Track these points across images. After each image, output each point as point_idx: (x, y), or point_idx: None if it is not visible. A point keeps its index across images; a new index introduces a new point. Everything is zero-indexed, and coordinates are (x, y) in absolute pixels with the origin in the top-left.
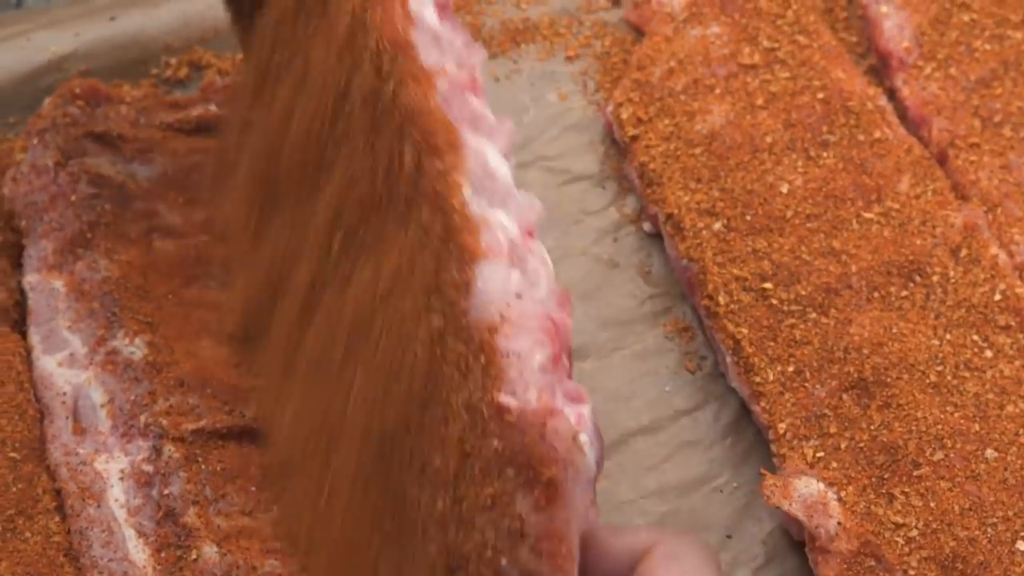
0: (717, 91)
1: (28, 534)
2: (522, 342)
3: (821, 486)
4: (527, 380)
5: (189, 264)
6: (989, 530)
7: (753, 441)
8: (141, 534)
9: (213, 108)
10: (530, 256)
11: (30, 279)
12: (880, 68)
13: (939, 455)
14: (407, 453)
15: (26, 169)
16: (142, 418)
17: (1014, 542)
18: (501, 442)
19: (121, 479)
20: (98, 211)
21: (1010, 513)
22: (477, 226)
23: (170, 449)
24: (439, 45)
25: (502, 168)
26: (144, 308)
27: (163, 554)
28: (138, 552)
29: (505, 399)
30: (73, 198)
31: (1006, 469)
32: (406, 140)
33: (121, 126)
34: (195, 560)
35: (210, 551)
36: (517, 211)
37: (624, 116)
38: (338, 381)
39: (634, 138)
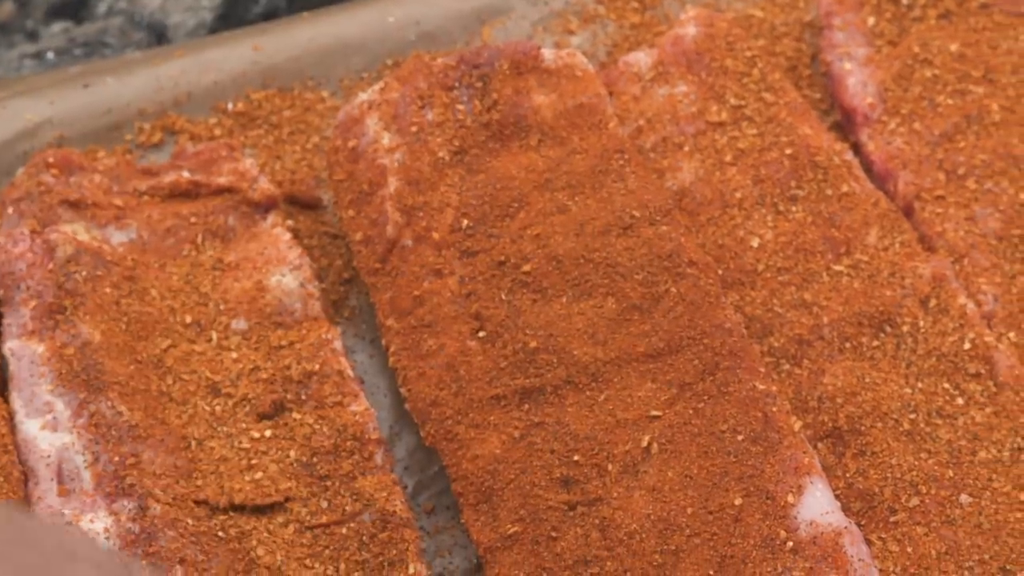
0: (686, 148)
1: None
2: (861, 550)
3: None
4: None
5: (168, 326)
6: (966, 573)
7: None
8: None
9: (186, 175)
10: None
11: (10, 345)
12: (845, 124)
13: (915, 501)
14: None
15: (2, 239)
16: (127, 478)
17: None
18: None
19: (107, 538)
20: (76, 277)
21: (986, 556)
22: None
23: (155, 507)
24: None
25: None
26: (126, 370)
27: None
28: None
29: None
30: (50, 266)
31: (980, 513)
32: None
33: (95, 193)
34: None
35: None
36: None
37: None
38: None
39: None
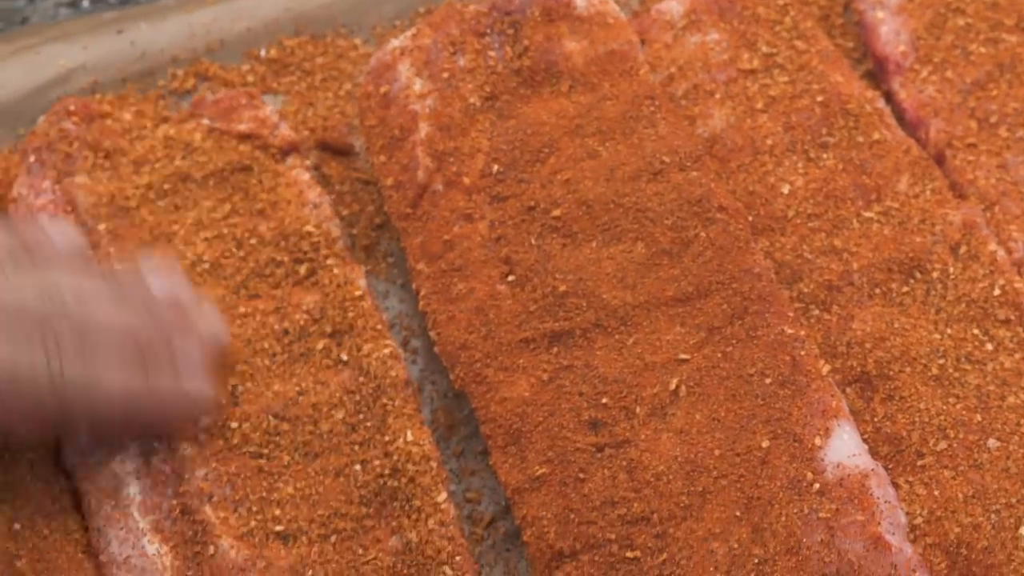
0: (717, 96)
1: (47, 531)
2: (888, 492)
3: None
4: (896, 526)
5: (193, 272)
6: (992, 516)
7: None
8: (158, 531)
9: (206, 122)
10: None
11: None
12: (877, 72)
13: (942, 445)
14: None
15: (24, 190)
16: None
17: (1017, 528)
18: (866, 564)
19: (137, 478)
20: (98, 228)
21: (1013, 500)
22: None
23: (185, 447)
24: None
25: None
26: None
27: (180, 550)
28: (156, 549)
29: (888, 537)
30: (72, 216)
31: (1008, 458)
32: None
33: (116, 142)
34: (212, 556)
35: (227, 546)
36: None
37: None
38: None
39: None
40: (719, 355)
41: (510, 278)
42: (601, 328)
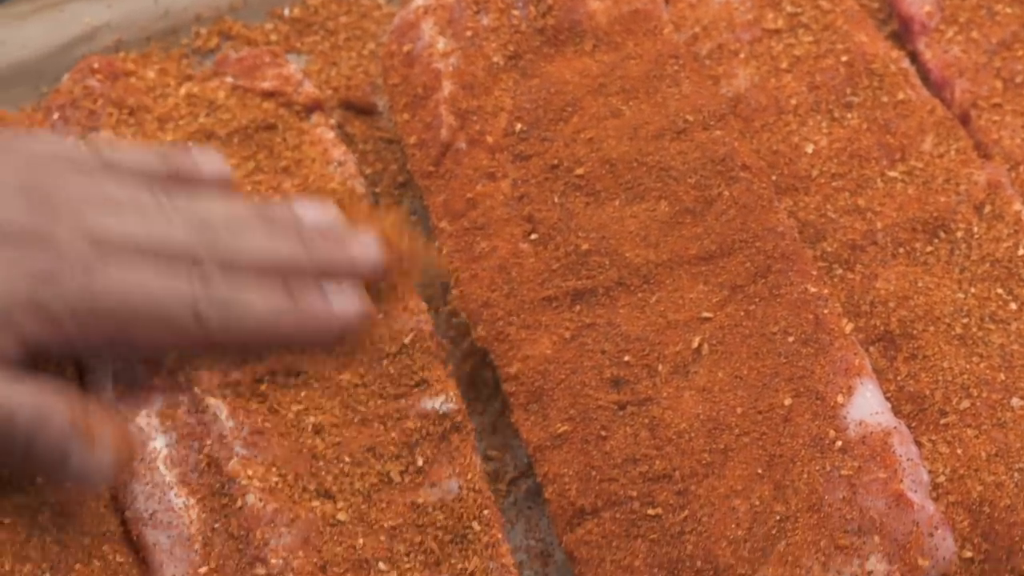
0: (741, 55)
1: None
2: (911, 450)
3: None
4: (919, 484)
5: None
6: (1015, 475)
7: None
8: (185, 484)
9: (229, 80)
10: None
11: None
12: (902, 32)
13: (965, 404)
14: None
15: None
16: (182, 373)
17: None
18: (888, 521)
19: (163, 433)
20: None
21: None
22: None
23: (212, 401)
24: None
25: None
26: None
27: (207, 503)
28: (182, 502)
29: (910, 494)
30: None
31: None
32: None
33: (140, 99)
34: (239, 508)
35: (254, 499)
36: None
37: None
38: None
39: None
40: (742, 313)
41: (532, 236)
42: (624, 286)
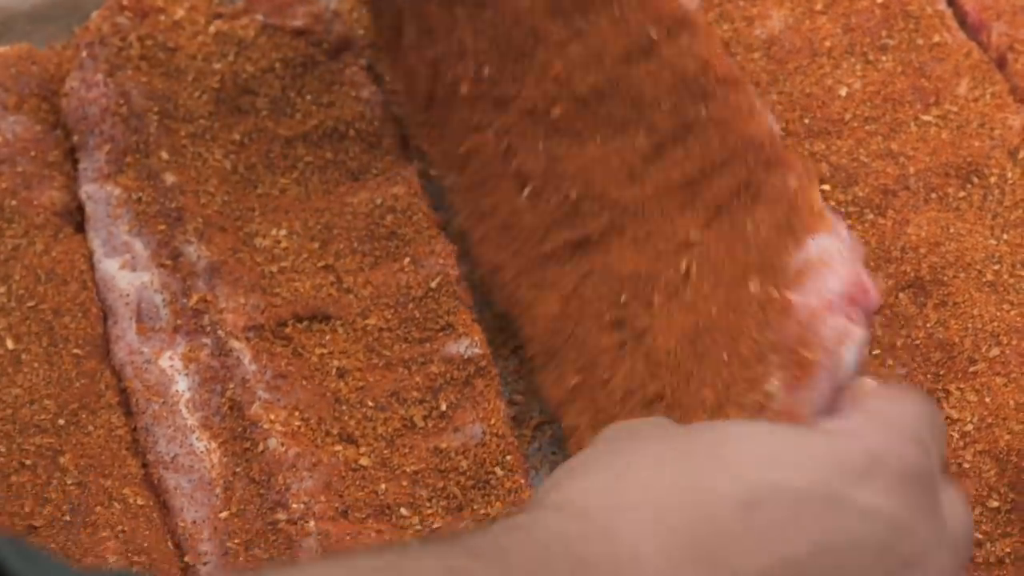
0: None
1: (91, 427)
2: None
3: None
4: (821, 292)
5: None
6: None
7: None
8: (207, 428)
9: (260, 18)
10: None
11: (87, 189)
12: None
13: (995, 351)
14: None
15: (76, 83)
16: (207, 316)
17: None
18: (776, 333)
19: (186, 375)
20: (150, 122)
21: None
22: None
23: (235, 344)
24: None
25: None
26: (204, 211)
27: (229, 447)
28: (204, 446)
29: (795, 297)
30: (124, 110)
31: None
32: None
33: (170, 37)
34: (261, 452)
35: (276, 443)
36: None
37: None
38: None
39: None
40: (726, 226)
41: (526, 191)
42: (616, 228)
